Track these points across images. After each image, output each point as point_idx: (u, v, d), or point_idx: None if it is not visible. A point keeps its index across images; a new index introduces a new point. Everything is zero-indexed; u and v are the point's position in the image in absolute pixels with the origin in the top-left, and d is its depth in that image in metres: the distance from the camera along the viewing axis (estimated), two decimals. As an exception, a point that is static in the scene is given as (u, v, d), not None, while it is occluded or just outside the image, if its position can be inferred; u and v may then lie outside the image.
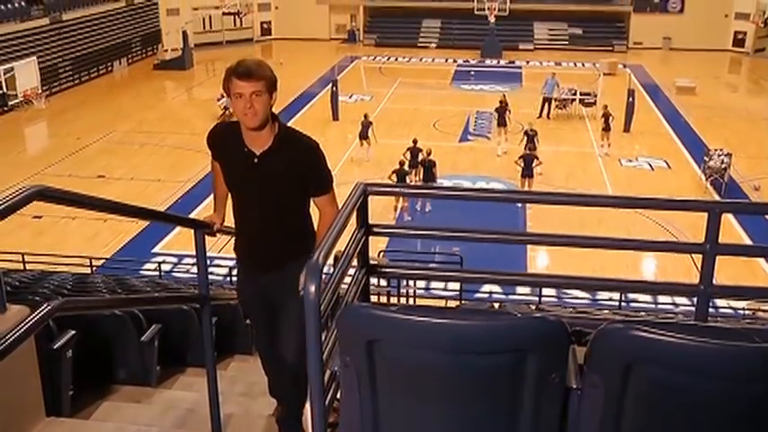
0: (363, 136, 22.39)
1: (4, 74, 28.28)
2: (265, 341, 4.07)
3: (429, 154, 19.13)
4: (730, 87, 36.71)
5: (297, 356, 3.68)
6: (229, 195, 3.91)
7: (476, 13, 40.86)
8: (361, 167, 21.63)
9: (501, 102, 24.04)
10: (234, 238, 3.93)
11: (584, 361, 1.97)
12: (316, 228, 3.78)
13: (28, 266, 12.76)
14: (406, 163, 18.98)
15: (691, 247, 3.16)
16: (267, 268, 3.81)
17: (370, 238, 2.93)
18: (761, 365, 1.77)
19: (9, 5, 31.58)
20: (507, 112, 23.71)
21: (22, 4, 32.27)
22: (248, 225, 3.79)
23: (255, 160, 3.56)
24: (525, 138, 21.26)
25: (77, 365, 4.24)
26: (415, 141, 20.37)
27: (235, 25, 43.22)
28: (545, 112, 27.16)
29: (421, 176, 18.85)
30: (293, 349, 3.76)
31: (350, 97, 29.87)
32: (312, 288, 2.07)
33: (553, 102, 27.22)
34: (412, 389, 1.99)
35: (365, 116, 22.88)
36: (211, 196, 4.27)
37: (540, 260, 16.00)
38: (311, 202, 3.75)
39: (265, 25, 45.17)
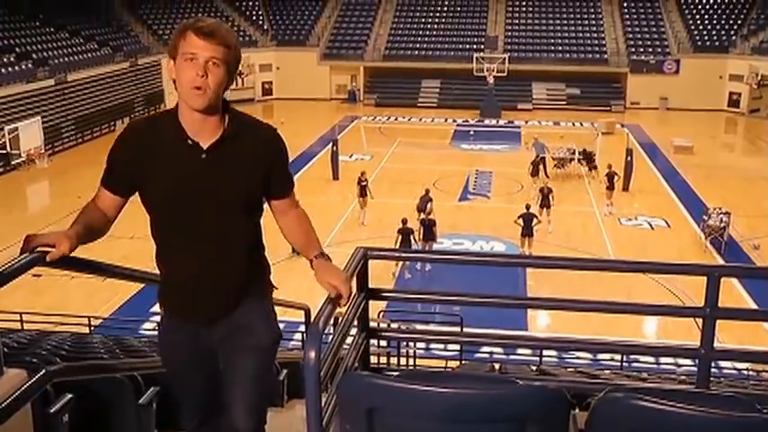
0: (362, 194, 22.46)
1: (9, 134, 28.58)
2: (205, 417, 3.02)
3: (429, 213, 19.22)
4: (727, 147, 37.06)
5: None
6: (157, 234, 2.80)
7: (475, 73, 41.61)
8: (361, 228, 21.65)
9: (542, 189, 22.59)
10: (160, 285, 2.92)
11: (585, 427, 1.96)
12: (288, 238, 2.91)
13: (26, 326, 12.68)
14: (408, 221, 19.08)
15: (691, 311, 3.16)
16: (214, 318, 2.81)
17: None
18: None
19: (16, 67, 32.16)
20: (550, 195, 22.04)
21: (29, 65, 32.85)
22: (188, 259, 2.74)
23: (204, 155, 2.63)
24: (540, 195, 21.43)
25: (73, 430, 4.18)
26: (427, 191, 21.25)
27: (236, 85, 43.87)
28: (541, 171, 27.35)
29: (421, 235, 18.90)
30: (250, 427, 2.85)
31: (350, 157, 30.12)
32: (312, 354, 2.06)
33: (548, 160, 27.41)
34: (412, 458, 1.97)
35: (362, 174, 22.94)
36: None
37: (541, 318, 15.92)
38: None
39: (267, 85, 45.86)
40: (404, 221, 18.67)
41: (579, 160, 27.89)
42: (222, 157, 2.64)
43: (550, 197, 21.49)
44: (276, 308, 2.96)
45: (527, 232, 19.20)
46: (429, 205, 19.99)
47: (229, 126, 2.67)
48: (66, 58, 35.45)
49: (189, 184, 2.63)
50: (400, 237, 18.31)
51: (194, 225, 2.68)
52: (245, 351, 2.79)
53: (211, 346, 2.85)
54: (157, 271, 2.87)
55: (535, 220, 19.43)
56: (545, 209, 21.16)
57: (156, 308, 2.96)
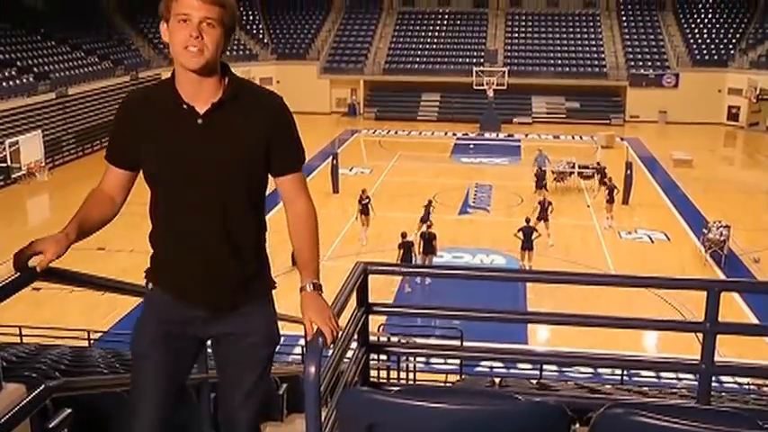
0: (364, 212, 22.03)
1: (9, 147, 28.62)
2: (163, 412, 2.69)
3: (429, 227, 19.22)
4: (726, 160, 37.12)
5: None
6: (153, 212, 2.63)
7: (475, 87, 41.73)
8: (358, 240, 21.64)
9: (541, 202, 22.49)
10: (152, 263, 2.72)
11: (586, 444, 1.96)
12: (291, 238, 2.70)
13: (25, 339, 12.66)
14: (408, 234, 19.08)
15: (691, 325, 3.16)
16: (213, 306, 2.64)
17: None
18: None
19: (18, 81, 32.26)
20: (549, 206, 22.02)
21: (31, 79, 32.95)
22: (187, 235, 2.56)
23: (200, 120, 2.48)
24: (539, 207, 21.42)
25: (72, 445, 4.16)
26: (429, 201, 21.51)
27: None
28: (542, 184, 27.39)
29: (421, 249, 18.90)
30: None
31: (350, 170, 30.17)
32: (312, 369, 2.06)
33: (548, 174, 27.47)
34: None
35: (363, 191, 22.64)
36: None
37: (542, 331, 15.88)
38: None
39: (272, 91, 45.83)
40: (403, 235, 18.66)
41: (592, 175, 27.68)
42: (220, 123, 2.49)
43: (549, 210, 21.48)
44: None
45: (527, 245, 19.20)
46: (430, 217, 20.13)
47: (228, 89, 2.52)
48: (67, 72, 35.56)
49: (185, 151, 2.48)
50: (401, 251, 18.31)
51: (193, 198, 2.52)
52: (243, 352, 2.66)
53: (198, 336, 2.71)
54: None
55: (535, 234, 19.43)
56: (543, 221, 21.15)
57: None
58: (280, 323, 2.81)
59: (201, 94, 2.49)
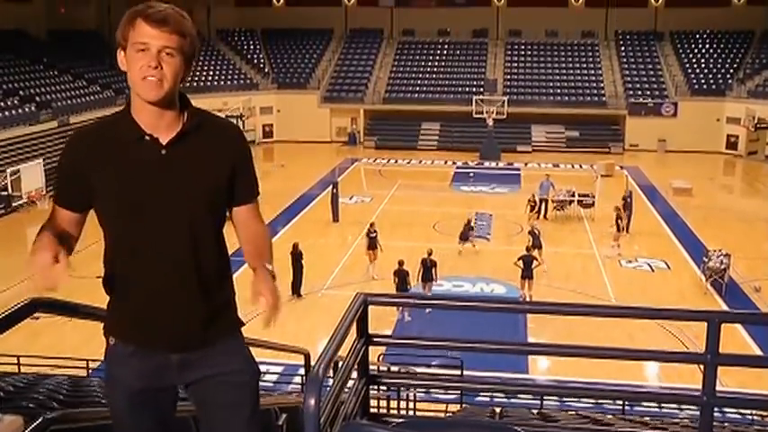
0: (371, 246, 21.12)
1: (11, 176, 28.69)
2: None
3: (430, 254, 19.20)
4: (726, 189, 37.20)
5: None
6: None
7: (474, 116, 41.94)
8: (362, 272, 21.58)
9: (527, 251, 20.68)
10: (111, 312, 2.58)
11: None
12: (243, 245, 2.61)
13: (23, 369, 12.58)
14: (405, 262, 19.03)
15: (692, 356, 3.15)
16: (184, 345, 2.50)
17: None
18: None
19: (20, 110, 32.45)
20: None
21: (33, 108, 33.15)
22: (152, 273, 2.43)
23: (163, 151, 2.39)
24: (531, 237, 21.39)
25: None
26: (429, 252, 19.50)
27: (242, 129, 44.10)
28: (542, 212, 27.43)
29: (421, 276, 18.87)
30: None
31: (350, 199, 30.21)
32: (312, 401, 2.05)
33: (550, 202, 27.54)
34: None
35: (371, 225, 21.82)
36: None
37: (542, 360, 15.78)
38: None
39: (267, 128, 46.19)
40: (400, 263, 18.64)
41: (579, 202, 27.82)
42: (184, 153, 2.40)
43: (540, 238, 21.37)
44: (276, 352, 2.94)
45: (527, 274, 19.16)
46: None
47: (190, 119, 2.43)
48: (69, 101, 35.81)
49: (149, 183, 2.37)
50: (396, 278, 18.28)
51: (157, 231, 2.39)
52: (230, 393, 2.54)
53: (174, 384, 2.58)
54: None
55: (535, 263, 19.40)
56: (537, 249, 21.03)
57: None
58: (281, 353, 2.81)
59: (162, 124, 2.40)
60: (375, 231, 21.37)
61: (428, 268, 18.90)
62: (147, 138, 2.38)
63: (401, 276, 18.36)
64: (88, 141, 2.46)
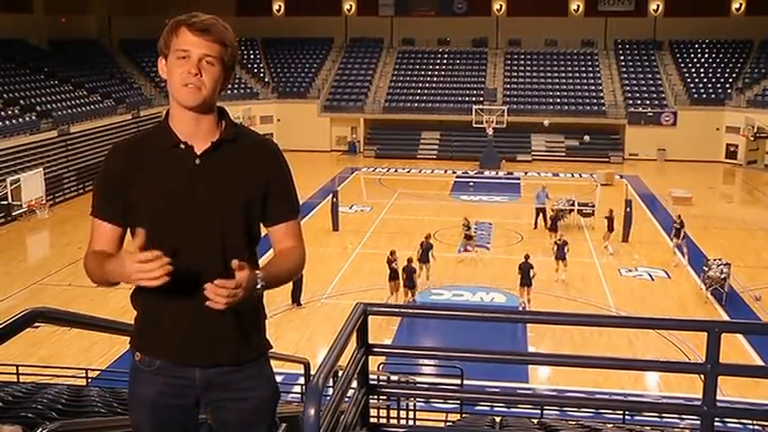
0: (393, 277, 19.13)
1: (11, 185, 28.70)
2: None
3: (410, 261, 19.27)
4: (725, 198, 37.19)
5: None
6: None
7: (474, 125, 41.98)
8: (360, 279, 21.57)
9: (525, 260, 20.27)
10: (139, 324, 2.55)
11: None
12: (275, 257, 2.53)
13: (22, 378, 12.55)
14: (414, 260, 19.19)
15: (692, 367, 3.14)
16: (211, 361, 2.45)
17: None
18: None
19: (20, 119, 32.51)
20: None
21: (33, 117, 33.20)
22: (182, 284, 2.30)
23: (197, 160, 2.39)
24: (556, 247, 21.52)
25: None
26: (427, 237, 21.37)
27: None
28: (540, 222, 27.41)
29: (404, 282, 18.98)
30: None
31: (350, 208, 30.22)
32: (312, 411, 2.05)
33: (547, 212, 27.50)
34: None
35: (392, 253, 19.55)
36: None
37: (543, 368, 15.74)
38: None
39: (267, 137, 46.13)
40: (409, 260, 19.09)
41: (578, 211, 27.87)
42: (219, 163, 2.39)
43: (565, 249, 21.53)
44: (275, 361, 2.94)
45: (525, 282, 19.17)
46: (431, 253, 20.57)
47: (227, 130, 2.44)
48: (69, 110, 35.84)
49: (182, 192, 2.36)
50: (405, 275, 18.87)
51: (188, 243, 2.34)
52: (248, 416, 2.52)
53: (198, 402, 2.53)
54: None
55: (532, 271, 19.34)
56: (560, 260, 21.27)
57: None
58: (280, 362, 2.81)
59: (198, 133, 2.40)
60: (395, 260, 19.37)
61: (409, 275, 19.11)
62: (182, 146, 2.39)
63: (408, 273, 18.85)
64: (124, 154, 2.46)
